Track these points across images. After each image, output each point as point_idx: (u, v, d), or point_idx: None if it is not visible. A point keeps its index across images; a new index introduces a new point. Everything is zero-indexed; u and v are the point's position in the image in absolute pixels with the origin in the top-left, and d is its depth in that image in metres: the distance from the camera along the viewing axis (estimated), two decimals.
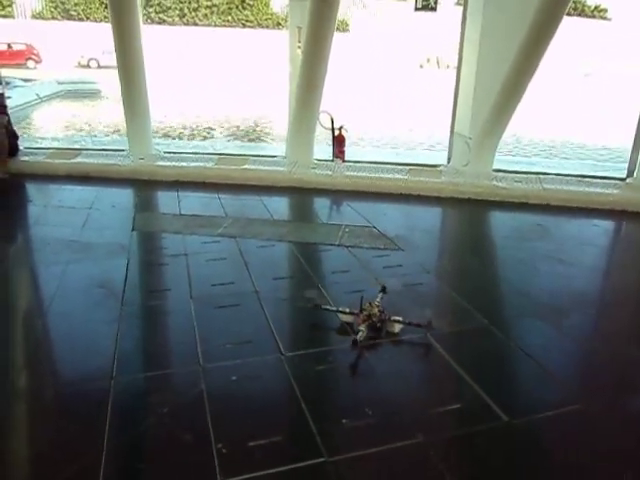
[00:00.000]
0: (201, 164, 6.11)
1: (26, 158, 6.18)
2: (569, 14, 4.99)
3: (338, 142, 6.34)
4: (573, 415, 2.24)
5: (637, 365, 2.69)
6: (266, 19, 34.31)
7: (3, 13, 28.39)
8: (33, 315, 2.94)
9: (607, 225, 5.02)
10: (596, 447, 2.09)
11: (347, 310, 2.82)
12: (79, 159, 6.23)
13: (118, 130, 11.69)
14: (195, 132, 12.61)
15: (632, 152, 5.79)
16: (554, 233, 4.61)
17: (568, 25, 5.46)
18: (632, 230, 5.01)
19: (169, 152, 6.57)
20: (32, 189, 5.59)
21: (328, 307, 2.92)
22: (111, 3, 5.72)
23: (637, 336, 3.05)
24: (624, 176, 5.84)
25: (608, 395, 2.41)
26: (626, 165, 5.88)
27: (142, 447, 2.00)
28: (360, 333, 2.64)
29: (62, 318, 2.89)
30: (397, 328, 2.74)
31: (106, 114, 14.33)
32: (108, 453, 1.92)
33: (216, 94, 19.61)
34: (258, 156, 6.48)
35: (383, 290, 3.01)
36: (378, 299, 2.89)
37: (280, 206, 5.30)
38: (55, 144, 7.83)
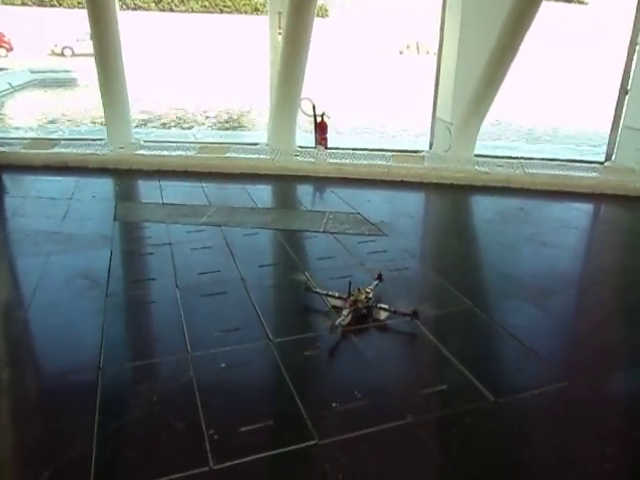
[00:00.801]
0: (183, 153, 6.04)
1: (1, 148, 6.03)
2: None
3: (320, 129, 6.32)
4: (558, 393, 2.29)
5: (619, 342, 2.76)
6: (244, 4, 33.80)
7: None
8: (16, 307, 2.89)
9: (587, 208, 5.10)
10: (580, 424, 2.14)
11: (336, 294, 2.83)
12: (57, 149, 6.12)
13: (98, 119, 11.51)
14: (174, 121, 12.44)
15: (610, 136, 5.89)
16: (536, 216, 4.68)
17: (546, 10, 5.47)
18: (611, 212, 5.10)
19: (149, 141, 6.48)
20: (8, 180, 5.47)
21: (319, 290, 2.93)
22: None
23: (618, 314, 3.13)
24: (602, 160, 5.94)
25: (592, 372, 2.47)
26: (604, 149, 5.99)
27: (133, 435, 1.99)
28: (341, 317, 2.66)
29: (46, 310, 2.85)
30: (382, 315, 2.76)
31: (84, 103, 14.04)
32: (99, 442, 1.91)
33: (194, 82, 19.36)
34: (240, 144, 6.43)
35: (379, 278, 3.02)
36: (371, 286, 2.91)
37: (264, 194, 5.28)
38: (31, 134, 7.67)
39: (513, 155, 6.20)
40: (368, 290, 2.85)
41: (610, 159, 5.90)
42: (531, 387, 2.31)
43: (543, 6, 4.97)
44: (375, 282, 2.98)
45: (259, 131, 10.76)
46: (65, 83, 18.71)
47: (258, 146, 6.27)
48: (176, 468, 1.82)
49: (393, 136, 10.62)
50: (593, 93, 16.58)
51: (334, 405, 2.15)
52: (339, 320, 2.65)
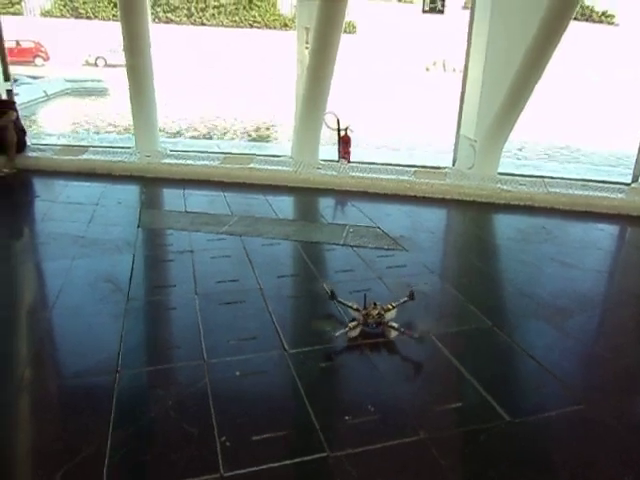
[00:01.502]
0: (207, 162, 6.14)
1: (34, 154, 6.22)
2: (576, 19, 4.99)
3: (344, 143, 6.36)
4: (575, 415, 2.25)
5: (638, 364, 2.70)
6: (273, 20, 34.37)
7: (12, 10, 28.53)
8: (40, 308, 2.96)
9: (611, 229, 5.01)
10: (598, 448, 2.10)
11: (354, 306, 2.83)
12: (86, 156, 6.27)
13: (126, 128, 11.79)
14: (200, 131, 12.67)
15: (637, 157, 5.80)
16: (558, 236, 4.62)
17: (575, 30, 5.46)
18: (636, 234, 5.01)
19: (175, 150, 6.61)
20: (39, 185, 5.63)
21: (342, 300, 2.92)
22: (121, 1, 5.75)
23: (638, 336, 3.07)
24: (629, 181, 5.84)
25: (611, 396, 2.41)
26: (631, 170, 5.90)
27: (147, 438, 2.01)
28: (345, 330, 2.66)
29: (69, 312, 2.91)
30: (392, 334, 2.74)
31: (113, 112, 14.40)
32: (113, 443, 1.94)
33: (223, 94, 19.71)
34: (264, 155, 6.51)
35: (411, 296, 2.93)
36: (395, 302, 2.87)
37: (285, 205, 5.32)
38: (62, 141, 7.88)
39: (536, 174, 6.14)
40: (390, 306, 2.83)
41: (637, 180, 5.80)
42: (548, 408, 2.27)
43: (572, 26, 4.96)
44: (403, 299, 2.93)
45: (282, 143, 10.91)
46: (97, 92, 19.23)
47: (282, 158, 6.34)
48: (188, 473, 1.84)
49: (415, 152, 10.61)
50: (620, 115, 16.37)
51: (347, 418, 2.15)
52: (340, 331, 2.65)
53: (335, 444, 2.00)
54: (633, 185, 5.76)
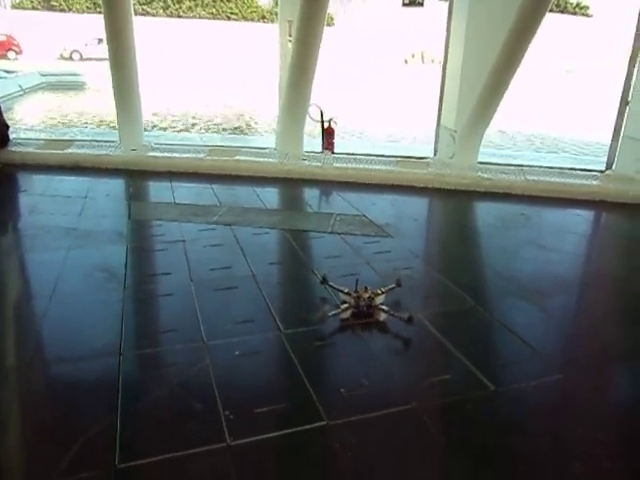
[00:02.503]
0: (193, 155, 6.20)
1: (17, 148, 6.20)
2: (551, 11, 5.17)
3: (327, 134, 6.48)
4: (554, 385, 2.42)
5: (613, 339, 2.89)
6: (251, 12, 34.17)
7: None
8: (39, 297, 3.03)
9: (587, 214, 5.24)
10: (575, 412, 2.27)
11: (345, 290, 2.96)
12: (70, 150, 6.28)
13: (105, 122, 11.71)
14: (182, 124, 12.63)
15: (611, 145, 6.04)
16: (537, 222, 4.82)
17: (551, 21, 5.65)
18: (610, 219, 5.24)
19: (160, 143, 6.64)
20: (25, 179, 5.63)
21: (333, 284, 3.06)
22: None
23: (614, 314, 3.27)
24: (603, 168, 6.08)
25: (587, 366, 2.59)
26: (605, 158, 6.14)
27: (155, 413, 2.12)
28: (337, 310, 2.80)
29: (67, 300, 2.99)
30: (382, 317, 2.87)
31: (93, 105, 14.25)
32: (123, 419, 2.05)
33: (201, 86, 19.61)
34: (249, 148, 6.59)
35: (398, 283, 3.09)
36: (384, 288, 3.01)
37: (272, 196, 5.43)
38: (43, 135, 7.83)
39: (515, 163, 6.34)
40: (379, 291, 2.97)
41: (611, 168, 6.04)
42: (528, 378, 2.43)
43: (547, 18, 5.14)
44: (391, 286, 3.08)
45: (264, 136, 10.97)
46: (74, 86, 18.97)
47: (266, 150, 6.43)
48: (196, 444, 1.95)
49: (397, 142, 10.77)
50: (596, 104, 16.76)
51: (342, 390, 2.28)
52: (333, 312, 2.79)
53: (333, 414, 2.13)
54: (607, 172, 6.00)
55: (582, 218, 5.13)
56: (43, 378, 2.40)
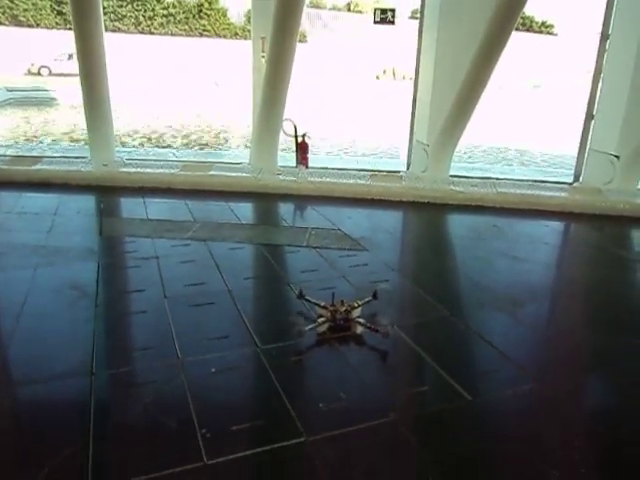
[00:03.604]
0: (166, 170, 6.14)
1: None
2: (518, 29, 5.33)
3: (301, 149, 6.50)
4: (529, 393, 2.45)
5: (584, 346, 2.95)
6: (223, 29, 34.27)
7: None
8: (6, 316, 2.93)
9: (556, 225, 5.36)
10: (550, 420, 2.29)
11: (322, 304, 2.95)
12: (39, 166, 6.16)
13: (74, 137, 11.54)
14: (153, 140, 12.52)
15: (577, 158, 6.21)
16: (508, 233, 4.91)
17: (518, 40, 5.83)
18: (579, 229, 5.37)
19: (132, 159, 6.57)
20: None
21: (309, 298, 3.05)
22: (73, 8, 5.71)
23: (584, 322, 3.34)
24: (571, 180, 6.25)
25: (560, 375, 2.63)
26: (572, 171, 6.31)
27: (129, 434, 2.06)
28: (315, 324, 2.79)
29: (36, 318, 2.91)
30: (359, 329, 2.86)
31: (63, 121, 14.04)
32: (95, 440, 1.98)
33: (174, 102, 19.53)
34: (223, 163, 6.57)
35: (374, 296, 3.10)
36: (361, 301, 3.00)
37: (247, 211, 5.41)
38: (11, 151, 7.66)
39: (486, 176, 6.47)
40: (356, 304, 2.96)
41: (578, 180, 6.21)
42: (504, 387, 2.46)
43: (514, 36, 5.29)
44: (367, 298, 3.07)
45: (236, 150, 10.95)
46: (43, 102, 18.66)
47: (240, 165, 6.42)
48: (172, 464, 1.90)
49: (370, 156, 10.88)
50: (561, 118, 17.26)
51: (320, 405, 2.26)
52: (310, 326, 2.77)
53: (311, 429, 2.10)
54: (574, 184, 6.16)
55: (552, 229, 5.25)
56: (10, 399, 2.31)
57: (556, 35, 41.76)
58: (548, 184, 6.18)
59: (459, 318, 3.12)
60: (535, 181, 6.29)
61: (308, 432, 2.09)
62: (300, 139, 6.49)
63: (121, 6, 31.51)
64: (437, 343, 2.85)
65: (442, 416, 2.25)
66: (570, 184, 6.19)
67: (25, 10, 30.08)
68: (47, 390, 2.33)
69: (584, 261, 4.49)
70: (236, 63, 22.59)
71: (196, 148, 11.58)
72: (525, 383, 2.52)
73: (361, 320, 2.89)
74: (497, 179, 6.27)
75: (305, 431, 2.09)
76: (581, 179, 6.20)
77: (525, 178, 6.47)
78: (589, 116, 6.02)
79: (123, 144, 10.99)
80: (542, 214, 5.49)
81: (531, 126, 16.91)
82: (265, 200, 5.70)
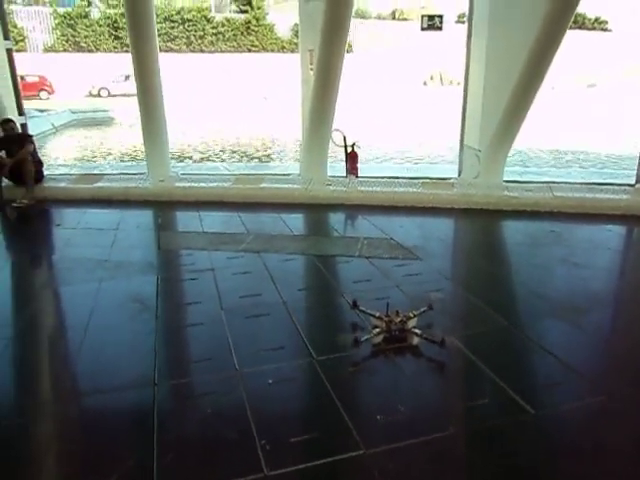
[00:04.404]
0: (219, 184, 6.30)
1: (51, 184, 6.41)
2: (570, 27, 5.16)
3: (351, 159, 6.52)
4: (597, 407, 2.34)
5: None
6: (271, 43, 34.96)
7: (16, 47, 29.22)
8: (75, 328, 3.09)
9: (619, 229, 5.12)
10: (621, 436, 2.18)
11: (376, 314, 2.94)
12: (101, 183, 6.46)
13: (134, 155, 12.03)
14: (207, 155, 12.88)
15: None
16: (567, 238, 4.73)
17: (570, 38, 5.64)
18: None
19: (186, 174, 6.78)
20: (58, 213, 5.81)
21: (363, 309, 3.04)
22: (131, 31, 5.99)
23: None
24: (633, 182, 5.95)
25: (629, 387, 2.50)
26: (635, 171, 6.01)
27: (191, 444, 2.11)
28: (369, 335, 2.78)
29: (102, 331, 3.04)
30: (415, 340, 2.82)
31: (121, 139, 14.68)
32: (159, 450, 2.05)
33: (225, 118, 20.03)
34: (273, 175, 6.67)
35: (430, 306, 3.06)
36: (416, 311, 2.97)
37: (298, 222, 5.47)
38: (75, 170, 8.08)
39: (541, 180, 6.26)
40: (411, 315, 2.93)
41: None
42: (570, 401, 2.36)
43: (567, 34, 5.13)
44: (423, 309, 3.03)
45: (288, 162, 11.09)
46: (102, 122, 19.60)
47: (291, 176, 6.50)
48: (233, 474, 1.94)
49: (419, 164, 10.77)
50: (619, 117, 16.51)
51: (378, 417, 2.24)
52: (365, 337, 2.76)
53: (370, 442, 2.09)
54: (637, 186, 5.87)
55: (614, 233, 5.01)
56: (79, 410, 2.42)
57: (610, 31, 40.11)
58: (608, 186, 5.92)
59: (518, 328, 3.03)
60: (594, 183, 6.04)
61: (366, 445, 2.07)
62: (349, 149, 6.51)
63: (173, 27, 32.72)
64: (496, 354, 2.78)
65: (503, 430, 2.18)
66: (632, 186, 5.90)
67: (86, 37, 31.77)
68: (112, 400, 2.43)
69: None
70: (284, 76, 22.99)
71: (247, 161, 11.83)
72: (592, 396, 2.41)
73: (417, 331, 2.85)
74: (553, 182, 6.06)
75: (363, 444, 2.08)
76: None
77: (583, 181, 6.22)
78: None
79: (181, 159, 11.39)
80: (603, 218, 5.26)
81: (587, 127, 16.27)
82: (316, 211, 5.74)
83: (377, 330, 2.85)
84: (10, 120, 6.19)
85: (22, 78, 25.73)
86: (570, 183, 6.10)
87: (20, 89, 6.98)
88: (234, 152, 13.07)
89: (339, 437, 2.14)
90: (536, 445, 2.12)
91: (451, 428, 2.18)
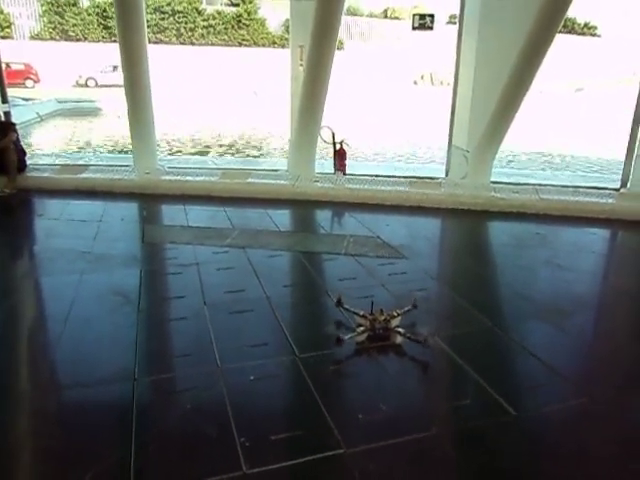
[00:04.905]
0: (205, 178, 6.24)
1: (34, 174, 6.29)
2: (559, 31, 5.19)
3: (339, 156, 6.49)
4: (579, 408, 2.35)
5: (637, 360, 2.81)
6: (262, 38, 34.77)
7: (2, 34, 28.68)
8: (55, 320, 3.03)
9: (603, 233, 5.17)
10: (602, 438, 2.19)
11: (360, 312, 2.92)
12: (85, 174, 6.36)
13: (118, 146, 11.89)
14: (193, 148, 12.78)
15: (625, 163, 5.97)
16: (552, 241, 4.76)
17: (559, 42, 5.67)
18: (627, 237, 5.16)
19: (173, 167, 6.70)
20: (41, 203, 5.71)
21: (348, 307, 3.03)
22: (119, 21, 5.90)
23: (636, 333, 3.19)
24: (618, 186, 6.01)
25: (611, 389, 2.52)
26: (619, 176, 6.07)
27: (170, 441, 2.08)
28: (354, 334, 2.76)
29: (82, 324, 2.98)
30: (398, 339, 2.81)
31: (108, 130, 14.50)
32: (137, 446, 2.01)
33: (214, 111, 19.90)
34: (261, 170, 6.63)
35: (414, 305, 3.05)
36: (400, 310, 2.96)
37: (285, 218, 5.43)
38: (59, 160, 7.94)
39: (528, 182, 6.30)
40: (395, 314, 2.92)
41: (625, 186, 5.97)
42: (552, 402, 2.37)
43: (557, 38, 5.15)
44: (407, 308, 3.02)
45: (275, 158, 11.05)
46: (89, 112, 19.35)
47: (278, 172, 6.46)
48: (212, 472, 1.91)
49: (408, 163, 10.79)
50: (608, 122, 16.71)
51: (360, 416, 2.23)
52: (349, 335, 2.75)
53: (351, 441, 2.07)
54: (622, 190, 5.92)
55: (598, 237, 5.06)
56: (57, 403, 2.38)
57: (599, 37, 40.56)
58: (593, 190, 5.97)
59: (502, 329, 3.03)
60: (579, 187, 6.09)
61: (347, 444, 2.06)
62: (338, 146, 6.49)
63: (163, 19, 32.36)
64: (479, 355, 2.78)
65: (485, 431, 2.17)
66: (617, 190, 5.96)
67: (74, 25, 31.28)
68: (91, 394, 2.38)
69: (634, 270, 4.31)
70: (275, 71, 22.90)
71: (235, 156, 11.75)
72: (574, 398, 2.42)
73: (401, 330, 2.84)
74: (540, 185, 6.10)
75: (344, 443, 2.06)
76: (629, 185, 5.95)
77: (569, 184, 6.27)
78: (637, 120, 5.78)
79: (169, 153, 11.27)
80: (587, 221, 5.30)
81: (574, 130, 16.44)
82: (303, 207, 5.71)
83: (361, 328, 2.84)
84: None
85: (7, 65, 25.38)
86: (556, 186, 6.14)
87: (4, 77, 6.83)
88: (221, 146, 12.98)
89: (320, 435, 2.12)
90: (518, 447, 2.12)
91: (433, 428, 2.17)
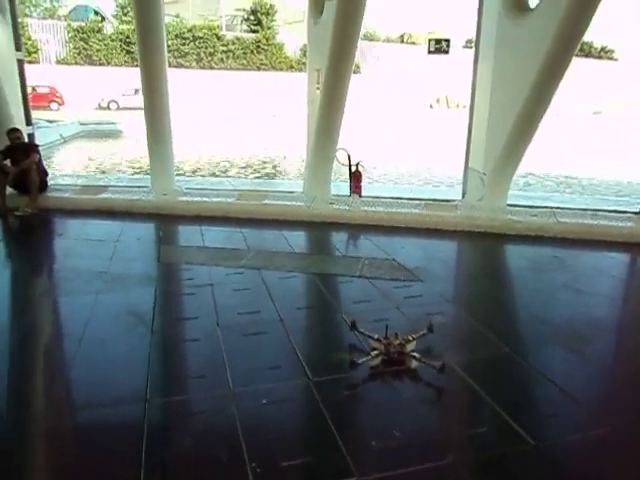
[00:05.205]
0: (222, 199, 6.29)
1: (55, 194, 6.42)
2: (576, 55, 5.18)
3: (355, 178, 6.51)
4: (600, 438, 2.27)
5: None
6: (280, 62, 35.40)
7: (29, 59, 29.62)
8: (69, 341, 3.05)
9: (622, 257, 5.07)
10: (621, 469, 2.11)
11: (375, 336, 2.88)
12: (104, 195, 6.46)
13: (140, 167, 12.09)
14: (211, 170, 12.94)
15: None
16: (571, 264, 4.68)
17: (577, 66, 5.66)
18: None
19: (190, 188, 6.78)
20: (61, 223, 5.80)
21: (362, 330, 2.99)
22: (140, 47, 6.05)
23: None
24: (638, 210, 5.92)
25: (633, 419, 2.43)
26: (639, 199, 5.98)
27: (180, 464, 2.06)
28: (367, 357, 2.73)
29: (96, 344, 2.99)
30: (414, 364, 2.77)
31: (127, 152, 14.77)
32: (147, 469, 1.99)
33: (232, 133, 20.19)
34: (277, 192, 6.67)
35: (429, 329, 3.01)
36: (415, 334, 2.92)
37: (300, 240, 5.44)
38: (80, 181, 8.10)
39: (546, 205, 6.23)
40: (410, 338, 2.88)
41: None
42: (571, 432, 2.30)
43: (574, 62, 5.14)
44: (422, 332, 2.98)
45: (291, 180, 11.12)
46: (110, 134, 19.77)
47: (294, 194, 6.50)
48: None
49: (424, 185, 10.77)
50: (624, 145, 16.55)
51: (373, 443, 2.18)
52: (363, 359, 2.71)
53: (363, 469, 2.03)
54: None
55: (617, 260, 4.96)
56: (69, 423, 2.37)
57: (616, 60, 40.50)
58: (612, 213, 5.88)
59: (520, 355, 2.96)
60: (598, 210, 6.00)
61: (360, 472, 2.01)
62: (354, 168, 6.52)
63: (184, 44, 33.17)
64: (496, 381, 2.72)
65: (502, 461, 2.11)
66: (637, 213, 5.86)
67: (97, 50, 32.22)
68: (104, 415, 2.38)
69: None
70: (293, 94, 23.21)
71: (252, 177, 11.86)
72: (594, 428, 2.34)
73: (416, 354, 2.80)
74: (558, 208, 6.03)
75: (357, 471, 2.02)
76: None
77: (588, 207, 6.19)
78: None
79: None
80: (606, 245, 5.21)
81: (592, 154, 16.31)
82: (318, 229, 5.72)
83: (375, 352, 2.80)
84: (16, 130, 6.22)
85: (33, 89, 26.15)
86: (574, 209, 6.07)
87: (29, 99, 7.03)
88: (241, 168, 13.13)
89: (332, 463, 2.08)
90: (535, 478, 2.05)
91: (449, 457, 2.11)
